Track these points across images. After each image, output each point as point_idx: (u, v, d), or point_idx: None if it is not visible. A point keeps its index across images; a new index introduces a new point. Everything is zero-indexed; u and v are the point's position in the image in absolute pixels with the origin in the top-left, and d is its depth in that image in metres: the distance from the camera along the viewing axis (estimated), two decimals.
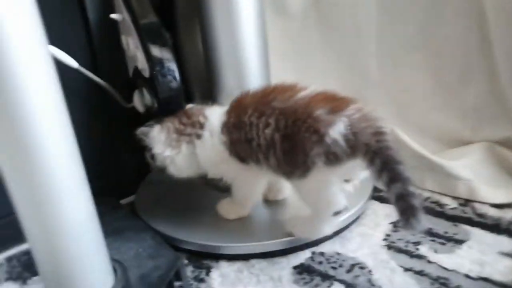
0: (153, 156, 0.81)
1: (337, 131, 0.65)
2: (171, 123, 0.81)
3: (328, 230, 0.78)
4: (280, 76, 0.86)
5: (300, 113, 0.67)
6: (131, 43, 0.92)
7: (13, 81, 0.46)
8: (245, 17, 0.84)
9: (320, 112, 0.66)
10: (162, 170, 0.82)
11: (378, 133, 0.65)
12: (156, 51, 0.87)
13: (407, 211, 0.62)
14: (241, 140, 0.73)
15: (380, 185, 0.66)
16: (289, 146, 0.68)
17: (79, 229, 0.54)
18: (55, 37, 0.90)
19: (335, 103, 0.68)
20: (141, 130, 0.81)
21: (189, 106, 0.84)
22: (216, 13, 0.84)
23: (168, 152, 0.79)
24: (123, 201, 1.06)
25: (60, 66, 0.89)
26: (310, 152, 0.66)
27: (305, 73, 1.13)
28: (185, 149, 0.80)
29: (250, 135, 0.72)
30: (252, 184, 0.82)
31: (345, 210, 0.77)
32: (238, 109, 0.75)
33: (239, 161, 0.76)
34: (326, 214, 0.75)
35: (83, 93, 0.99)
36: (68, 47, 0.90)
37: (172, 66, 0.87)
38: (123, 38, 0.94)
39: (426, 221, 0.63)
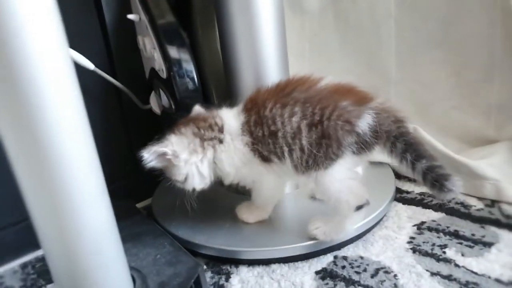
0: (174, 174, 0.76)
1: (365, 122, 0.68)
2: (187, 128, 0.75)
3: (351, 228, 0.77)
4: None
5: (326, 103, 0.69)
6: (147, 44, 0.91)
7: (33, 85, 0.44)
8: (263, 14, 0.81)
9: (346, 103, 0.69)
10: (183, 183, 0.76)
11: (398, 121, 0.70)
12: (173, 51, 0.86)
13: (439, 180, 0.65)
14: (265, 136, 0.71)
15: (404, 170, 0.72)
16: (317, 135, 0.69)
17: (97, 237, 0.52)
18: (71, 38, 0.90)
19: (358, 96, 0.71)
20: (149, 149, 0.71)
21: (196, 108, 0.80)
22: (233, 10, 0.81)
23: (194, 158, 0.73)
24: (140, 205, 1.05)
25: (77, 68, 0.88)
26: (343, 141, 0.68)
27: (323, 72, 1.10)
28: (210, 154, 0.74)
29: (275, 127, 0.71)
30: (272, 187, 0.80)
31: (366, 204, 0.75)
32: (256, 106, 0.73)
33: (262, 161, 0.74)
34: (349, 209, 0.73)
35: (99, 95, 0.99)
36: (84, 49, 0.89)
37: (190, 67, 0.86)
38: (140, 39, 0.94)
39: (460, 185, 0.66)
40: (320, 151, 0.69)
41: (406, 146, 0.68)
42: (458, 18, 0.96)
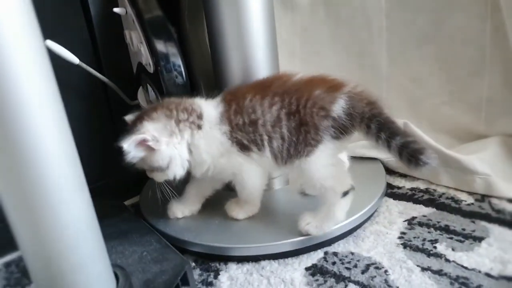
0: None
1: (339, 107, 0.71)
2: (158, 113, 0.74)
3: (342, 216, 0.76)
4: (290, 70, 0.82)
5: (302, 93, 0.72)
6: (134, 38, 0.90)
7: (5, 79, 0.42)
8: (252, 8, 0.80)
9: (319, 91, 0.72)
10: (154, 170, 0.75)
11: (371, 103, 0.72)
12: (160, 45, 0.85)
13: (414, 154, 0.67)
14: (245, 124, 0.73)
15: (380, 149, 0.72)
16: (296, 122, 0.72)
17: (75, 235, 0.50)
18: (55, 32, 0.89)
19: (331, 84, 0.74)
20: (127, 139, 0.70)
21: (167, 99, 0.78)
22: (222, 4, 0.80)
23: (174, 139, 0.73)
24: (128, 202, 1.04)
25: (61, 62, 0.87)
26: (320, 126, 0.71)
27: (314, 68, 1.10)
28: (188, 136, 0.74)
29: (255, 115, 0.73)
30: (254, 179, 0.79)
31: (352, 190, 0.76)
32: (235, 98, 0.75)
33: (240, 151, 0.75)
34: (335, 195, 0.74)
35: (85, 90, 0.97)
36: (69, 43, 0.88)
37: (177, 61, 0.85)
38: (127, 33, 0.92)
39: (435, 158, 0.68)
40: (299, 138, 0.72)
41: (379, 126, 0.70)
42: (448, 13, 0.96)
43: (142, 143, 0.71)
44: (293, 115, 0.72)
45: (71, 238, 0.49)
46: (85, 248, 0.51)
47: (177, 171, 0.75)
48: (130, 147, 0.70)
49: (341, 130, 0.72)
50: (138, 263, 0.67)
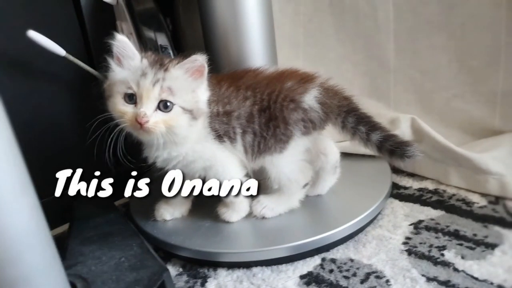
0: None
1: (311, 97, 0.72)
2: None
3: (298, 203, 0.79)
4: (292, 64, 0.79)
5: (273, 86, 0.72)
6: (125, 29, 0.88)
7: None
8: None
9: (290, 83, 0.72)
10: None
11: (347, 98, 0.74)
12: (150, 36, 0.83)
13: (400, 146, 0.69)
14: (220, 114, 0.71)
15: (355, 143, 0.74)
16: (266, 118, 0.71)
17: (15, 245, 0.44)
18: (43, 22, 0.85)
19: (303, 76, 0.74)
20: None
21: None
22: None
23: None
24: (119, 202, 0.99)
25: (47, 54, 0.83)
26: (289, 119, 0.71)
27: (318, 59, 1.09)
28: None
29: (230, 107, 0.72)
30: (229, 169, 0.74)
31: (310, 181, 0.80)
32: (210, 85, 0.71)
33: (215, 140, 0.72)
34: (298, 187, 0.77)
35: (74, 83, 0.94)
36: (58, 34, 0.85)
37: (168, 51, 0.85)
38: (118, 24, 0.90)
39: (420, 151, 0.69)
40: (269, 133, 0.71)
41: (358, 120, 0.72)
42: (459, 0, 0.90)
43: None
44: (264, 111, 0.71)
45: (8, 248, 0.43)
46: (28, 259, 0.44)
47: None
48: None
49: (313, 123, 0.72)
50: (114, 271, 0.62)
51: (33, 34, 0.81)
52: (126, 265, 0.63)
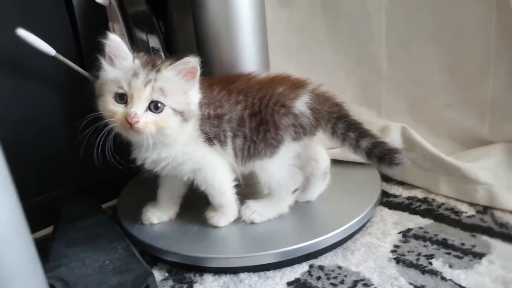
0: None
1: (302, 102, 0.72)
2: None
3: (287, 209, 0.78)
4: (285, 71, 0.78)
5: (265, 91, 0.72)
6: (117, 31, 0.87)
7: None
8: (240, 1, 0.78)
9: (282, 89, 0.73)
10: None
11: (337, 104, 0.74)
12: (141, 38, 0.82)
13: (388, 153, 0.70)
14: (211, 116, 0.71)
15: (345, 150, 0.74)
16: (256, 122, 0.71)
17: None
18: (34, 21, 0.84)
19: (294, 82, 0.75)
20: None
21: None
22: None
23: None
24: (107, 204, 0.98)
25: (37, 53, 0.82)
26: (280, 124, 0.71)
27: (311, 67, 1.08)
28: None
29: (221, 110, 0.71)
30: (218, 173, 0.73)
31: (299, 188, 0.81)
32: (201, 88, 0.70)
33: (205, 142, 0.71)
34: (287, 192, 0.77)
35: (64, 84, 0.93)
36: (48, 33, 0.84)
37: (160, 54, 0.83)
38: (110, 25, 0.89)
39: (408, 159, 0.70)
40: (259, 137, 0.71)
41: (348, 126, 0.72)
42: (451, 9, 0.90)
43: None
44: (255, 115, 0.71)
45: None
46: (7, 262, 0.43)
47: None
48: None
49: (303, 129, 0.72)
50: (97, 273, 0.61)
51: (22, 33, 0.80)
52: (110, 268, 0.62)
